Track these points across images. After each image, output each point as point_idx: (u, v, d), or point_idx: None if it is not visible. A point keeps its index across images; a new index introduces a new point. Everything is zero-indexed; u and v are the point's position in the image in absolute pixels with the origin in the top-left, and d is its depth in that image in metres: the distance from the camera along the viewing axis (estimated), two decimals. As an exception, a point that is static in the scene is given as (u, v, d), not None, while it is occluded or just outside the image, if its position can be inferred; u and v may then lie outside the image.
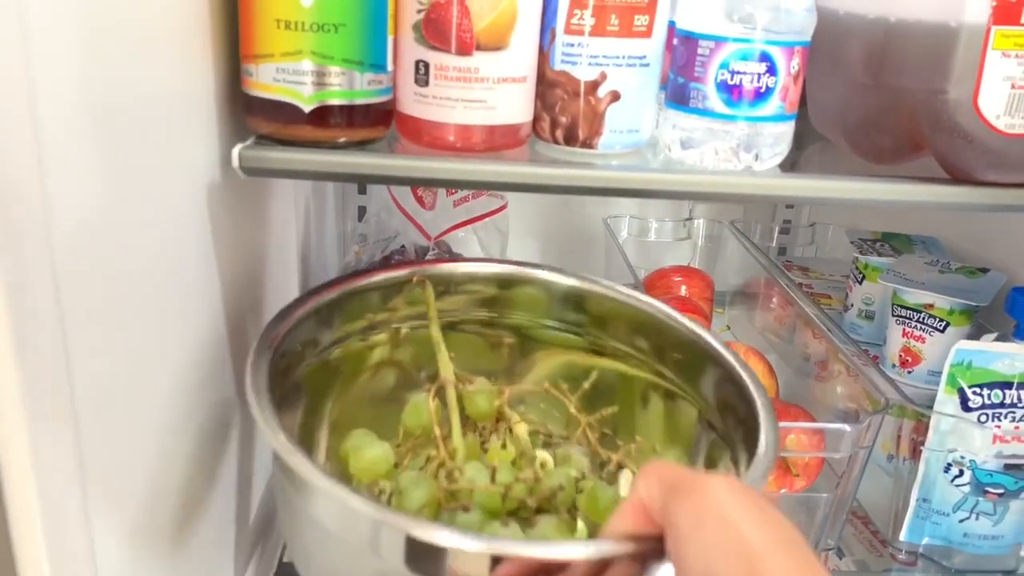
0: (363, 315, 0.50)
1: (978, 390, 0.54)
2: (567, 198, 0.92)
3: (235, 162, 0.42)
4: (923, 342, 0.62)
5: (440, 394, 0.47)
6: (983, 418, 0.54)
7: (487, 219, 0.76)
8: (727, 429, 0.45)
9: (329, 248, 0.78)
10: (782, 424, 0.57)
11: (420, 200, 0.74)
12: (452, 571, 0.32)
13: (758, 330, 0.82)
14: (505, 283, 0.53)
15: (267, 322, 0.43)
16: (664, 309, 0.50)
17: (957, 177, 0.44)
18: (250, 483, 0.53)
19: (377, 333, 0.51)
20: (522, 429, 0.47)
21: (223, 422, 0.47)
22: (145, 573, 0.36)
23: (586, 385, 0.48)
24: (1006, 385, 0.54)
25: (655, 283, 0.84)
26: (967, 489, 0.55)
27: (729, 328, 0.86)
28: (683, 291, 0.81)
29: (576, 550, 0.31)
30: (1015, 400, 0.54)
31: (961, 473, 0.55)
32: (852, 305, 0.71)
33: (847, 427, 0.52)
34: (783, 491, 0.59)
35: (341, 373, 0.50)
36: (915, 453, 0.58)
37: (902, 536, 0.58)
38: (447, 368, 0.48)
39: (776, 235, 0.91)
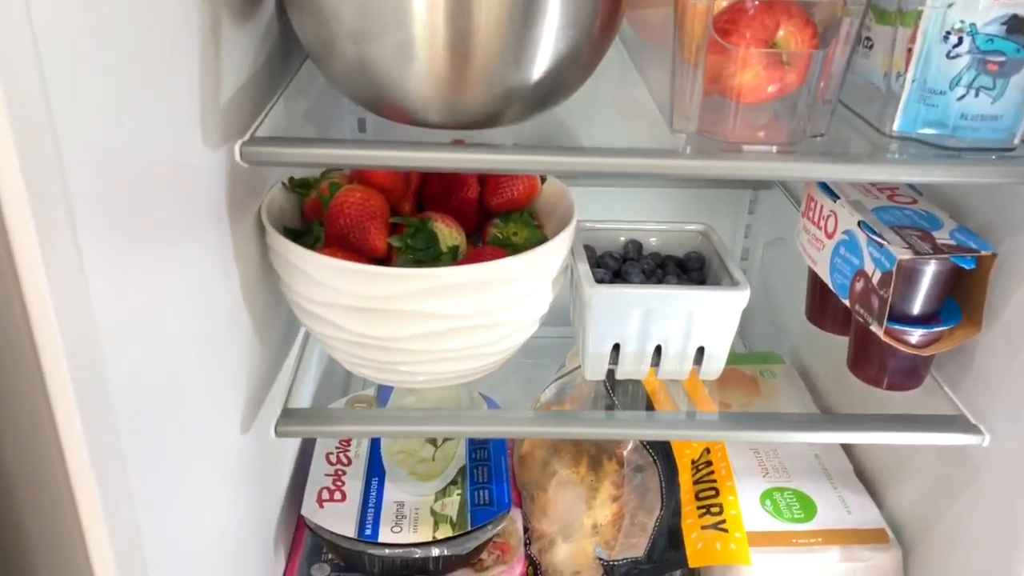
0: None
1: (981, -62, 0.50)
2: None
3: None
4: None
5: None
6: (986, -30, 0.51)
7: None
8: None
9: None
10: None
11: None
12: None
13: None
14: None
15: None
16: None
17: None
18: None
19: None
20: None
21: None
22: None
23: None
24: (1013, -69, 0.50)
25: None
26: (966, 60, 0.53)
27: None
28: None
29: None
30: (1021, -53, 0.50)
31: (960, 41, 0.52)
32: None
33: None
34: (770, 88, 0.57)
35: None
36: (906, 64, 0.56)
37: (895, 126, 0.56)
38: None
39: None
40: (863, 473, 0.81)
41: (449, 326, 0.58)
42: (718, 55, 0.55)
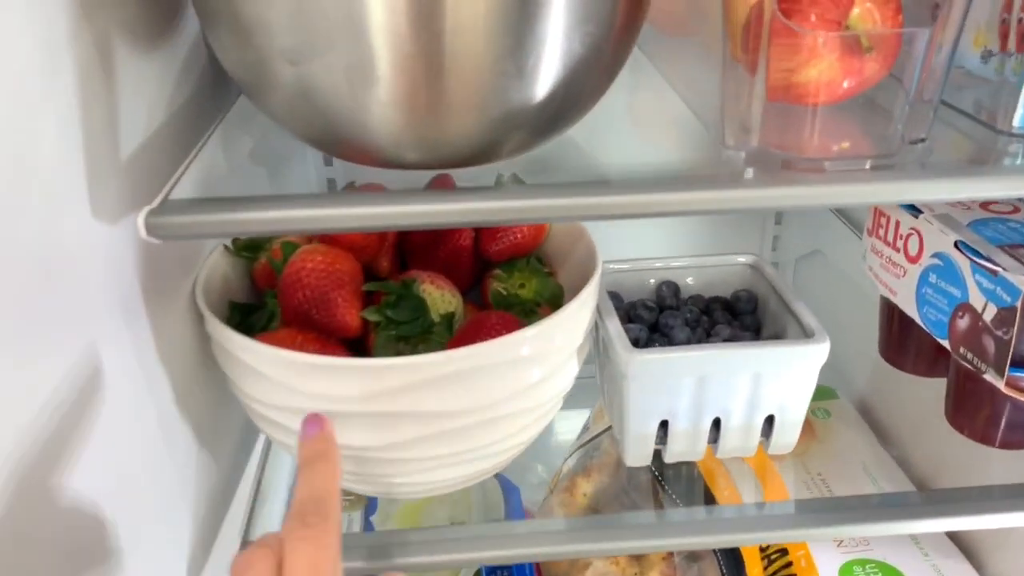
0: None
1: None
2: None
3: None
4: None
5: None
6: None
7: None
8: None
9: None
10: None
11: None
12: None
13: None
14: None
15: None
16: None
17: None
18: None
19: None
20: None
21: None
22: None
23: None
24: None
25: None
26: (1113, 27, 0.40)
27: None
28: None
29: None
30: None
31: (1104, 4, 0.39)
32: None
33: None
34: (846, 83, 0.43)
35: None
36: (1022, 43, 0.43)
37: (1016, 121, 0.43)
38: None
39: None
40: (956, 534, 0.68)
41: (450, 426, 0.44)
42: (777, 43, 0.41)
